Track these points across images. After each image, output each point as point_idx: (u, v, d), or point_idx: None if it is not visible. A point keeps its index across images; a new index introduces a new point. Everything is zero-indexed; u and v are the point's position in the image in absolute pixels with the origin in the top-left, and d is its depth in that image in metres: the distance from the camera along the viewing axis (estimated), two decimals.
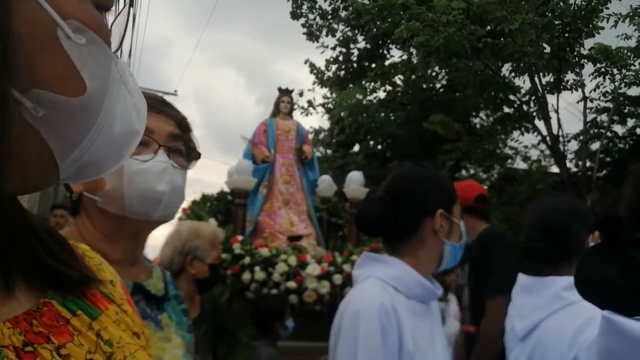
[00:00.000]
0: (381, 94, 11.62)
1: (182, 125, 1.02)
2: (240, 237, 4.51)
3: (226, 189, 5.96)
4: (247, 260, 4.28)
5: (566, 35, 7.69)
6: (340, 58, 12.28)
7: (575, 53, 8.11)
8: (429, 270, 1.34)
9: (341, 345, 1.22)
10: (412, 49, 10.09)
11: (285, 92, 6.04)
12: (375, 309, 1.19)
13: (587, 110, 8.54)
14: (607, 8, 7.29)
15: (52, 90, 0.38)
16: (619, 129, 9.11)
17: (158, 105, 0.99)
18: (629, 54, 7.74)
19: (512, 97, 9.36)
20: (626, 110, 8.75)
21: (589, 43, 8.00)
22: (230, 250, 4.33)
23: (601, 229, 0.57)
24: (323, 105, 12.17)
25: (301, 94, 11.91)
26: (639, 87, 8.33)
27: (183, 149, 1.00)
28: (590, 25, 7.53)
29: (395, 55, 11.79)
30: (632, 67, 7.84)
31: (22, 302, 0.40)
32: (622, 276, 0.50)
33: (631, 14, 7.11)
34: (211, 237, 2.16)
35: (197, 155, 1.03)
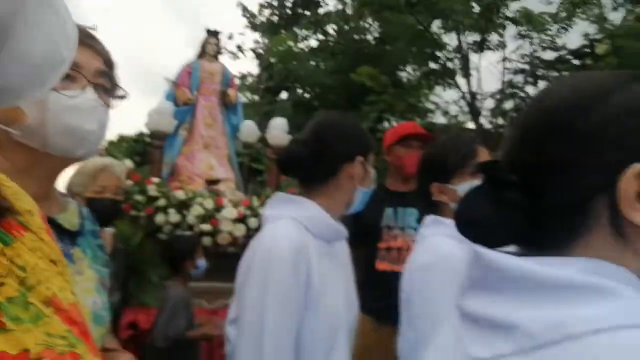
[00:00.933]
0: (313, 43, 11.51)
1: (108, 62, 0.99)
2: (155, 179, 4.45)
3: (145, 131, 5.79)
4: (162, 202, 4.24)
5: None
6: (275, 3, 11.93)
7: (501, 14, 8.40)
8: (339, 212, 1.42)
9: (252, 282, 1.25)
10: None
11: (212, 34, 5.83)
12: (287, 247, 1.24)
13: (505, 71, 8.96)
14: None
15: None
16: (531, 90, 9.65)
17: (87, 39, 0.95)
18: (548, 19, 8.12)
19: (438, 53, 9.60)
20: (539, 73, 9.26)
21: (514, 6, 8.31)
22: (145, 192, 4.27)
23: (482, 172, 0.60)
24: (253, 50, 11.88)
25: (230, 37, 11.52)
26: (554, 51, 8.82)
27: (109, 86, 0.98)
28: None
29: (330, 4, 11.63)
30: (549, 32, 8.26)
31: None
32: (494, 214, 0.56)
33: None
34: (91, 172, 2.17)
35: (123, 95, 1.01)
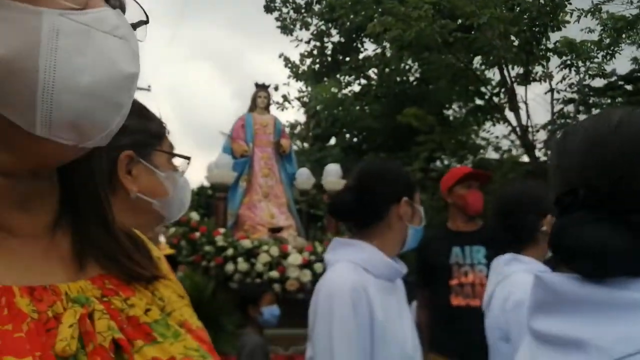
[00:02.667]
0: (356, 87, 11.75)
1: None
2: (222, 230, 4.60)
3: (206, 184, 6.03)
4: (230, 252, 4.37)
5: (533, 29, 7.95)
6: (315, 52, 12.36)
7: (542, 46, 8.38)
8: (395, 251, 1.49)
9: (318, 326, 1.35)
10: (385, 43, 10.25)
11: (261, 87, 6.13)
12: (347, 289, 1.34)
13: (554, 101, 8.85)
14: (570, 3, 7.56)
15: None
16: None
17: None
18: (592, 46, 8.04)
19: (483, 89, 9.61)
20: (591, 101, 9.09)
21: (555, 37, 8.30)
22: (213, 243, 4.41)
23: (571, 201, 0.62)
24: (298, 99, 12.24)
25: (276, 89, 11.95)
26: (602, 78, 8.68)
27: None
28: (556, 20, 7.80)
29: (369, 48, 11.94)
30: (595, 60, 8.15)
31: (94, 270, 0.52)
32: (622, 240, 0.57)
33: (592, 9, 7.40)
34: None
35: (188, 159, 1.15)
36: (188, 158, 1.09)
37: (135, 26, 0.50)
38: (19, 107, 0.40)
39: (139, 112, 1.00)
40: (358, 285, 1.35)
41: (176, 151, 1.09)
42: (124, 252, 0.54)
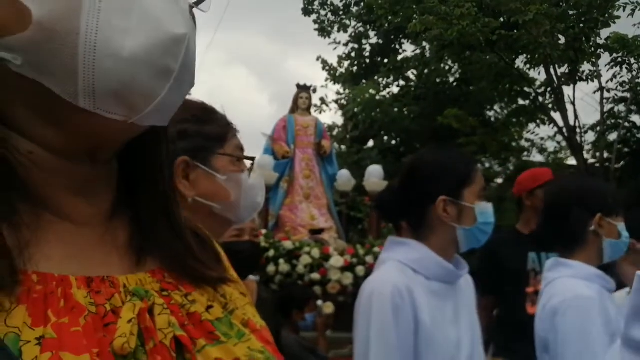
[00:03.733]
0: (394, 89, 11.65)
1: None
2: (264, 231, 4.58)
3: None
4: (271, 253, 4.35)
5: (581, 25, 7.65)
6: (353, 54, 12.31)
7: (592, 43, 8.07)
8: (448, 253, 1.36)
9: (357, 325, 1.28)
10: (424, 43, 10.10)
11: (303, 89, 6.11)
12: (388, 289, 1.25)
13: (604, 101, 8.50)
14: None
15: (10, 32, 0.37)
16: (637, 119, 9.04)
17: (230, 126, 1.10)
18: None
19: (527, 89, 9.33)
20: None
21: (605, 33, 7.96)
22: None
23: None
24: (336, 101, 12.23)
25: (314, 91, 11.94)
26: None
27: None
28: (606, 15, 7.48)
29: (408, 49, 11.81)
30: None
31: (153, 263, 0.48)
32: None
33: None
34: None
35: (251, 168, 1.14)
36: (252, 159, 1.07)
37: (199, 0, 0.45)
38: (60, 75, 0.37)
39: (199, 115, 1.00)
40: (402, 286, 1.26)
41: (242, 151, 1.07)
42: (189, 250, 0.50)
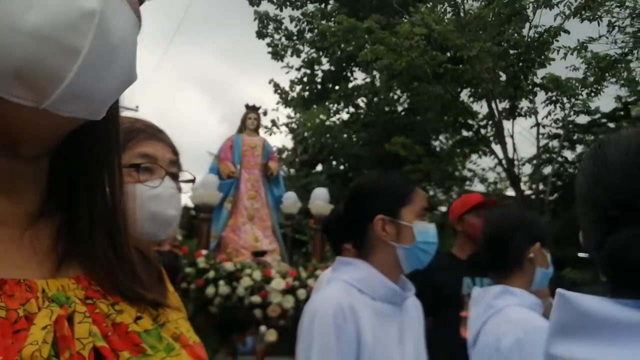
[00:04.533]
0: (344, 115, 11.82)
1: (175, 151, 1.09)
2: (204, 252, 4.47)
3: (190, 204, 5.91)
4: (211, 274, 4.23)
5: (520, 64, 8.10)
6: (305, 79, 12.43)
7: (529, 81, 8.53)
8: (393, 273, 1.37)
9: (299, 344, 1.27)
10: (375, 72, 10.36)
11: (252, 109, 6.09)
12: (331, 309, 1.24)
13: (540, 136, 8.96)
14: (557, 41, 7.74)
15: None
16: (569, 155, 9.58)
17: (157, 133, 1.07)
18: (577, 84, 8.21)
19: (470, 121, 9.71)
20: (575, 137, 9.23)
21: (541, 72, 8.45)
22: (194, 265, 4.27)
23: None
24: (287, 124, 12.26)
25: (265, 113, 11.94)
26: (587, 115, 8.84)
27: (178, 173, 1.08)
28: (542, 56, 7.96)
29: (359, 77, 12.07)
30: (580, 97, 8.31)
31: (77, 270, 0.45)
32: None
33: (578, 47, 7.57)
34: None
35: (193, 180, 1.11)
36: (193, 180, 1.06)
37: (185, 181, 0.45)
38: None
39: None
40: (344, 306, 1.26)
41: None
42: (129, 267, 0.47)
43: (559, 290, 0.60)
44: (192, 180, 1.12)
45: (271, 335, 3.84)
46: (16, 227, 0.42)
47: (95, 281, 0.44)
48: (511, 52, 8.05)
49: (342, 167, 11.73)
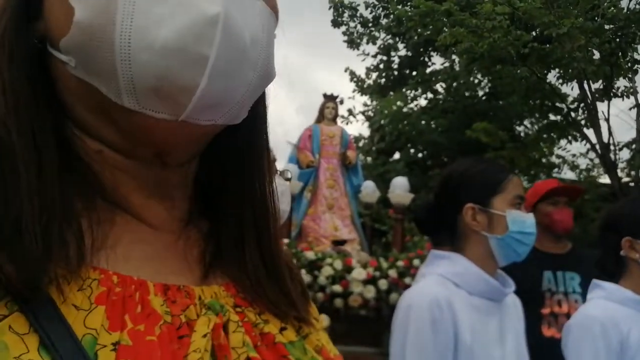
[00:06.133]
0: (422, 102, 11.55)
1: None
2: (286, 240, 4.55)
3: None
4: None
5: (618, 39, 7.44)
6: (381, 66, 12.27)
7: (628, 58, 7.83)
8: (488, 266, 1.31)
9: (393, 339, 1.24)
10: (454, 56, 9.98)
11: (330, 98, 6.09)
12: (426, 302, 1.21)
13: None
14: None
15: (63, 33, 0.36)
16: None
17: None
18: None
19: (559, 104, 9.10)
20: None
21: None
22: None
23: None
24: (363, 113, 12.18)
25: (342, 102, 11.93)
26: None
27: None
28: None
29: (437, 62, 11.71)
30: None
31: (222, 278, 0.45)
32: None
33: None
34: None
35: (289, 178, 1.12)
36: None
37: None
38: (104, 74, 0.36)
39: None
40: (442, 300, 1.21)
41: None
42: (280, 282, 0.47)
43: None
44: (289, 179, 1.13)
45: (355, 301, 3.87)
46: (171, 232, 0.43)
47: (242, 289, 0.45)
48: (607, 27, 7.41)
49: (420, 155, 11.48)
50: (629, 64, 7.98)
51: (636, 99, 8.21)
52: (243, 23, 0.37)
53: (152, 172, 0.42)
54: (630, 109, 8.38)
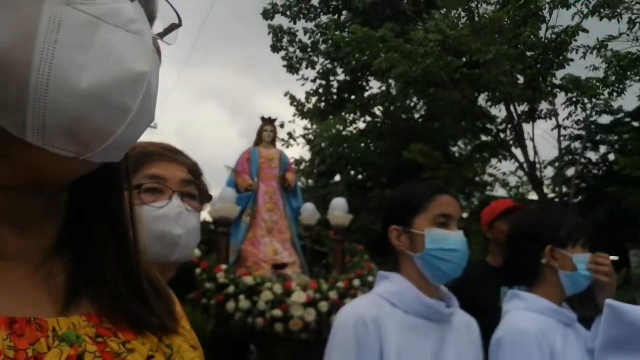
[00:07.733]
0: (361, 125, 11.79)
1: (193, 171, 1.08)
2: (224, 266, 4.44)
3: (209, 219, 5.90)
4: (231, 289, 4.20)
5: (538, 66, 7.97)
6: (320, 90, 12.45)
7: (548, 83, 8.38)
8: (425, 285, 1.33)
9: (324, 355, 1.27)
10: (390, 80, 10.31)
11: (267, 121, 6.09)
12: (352, 320, 1.24)
13: (562, 138, 8.78)
14: (576, 40, 7.59)
15: None
16: (592, 156, 9.36)
17: (170, 153, 1.05)
18: (597, 84, 8.03)
19: (489, 125, 9.58)
20: (598, 138, 9.02)
21: (560, 73, 8.31)
22: (214, 280, 4.25)
23: None
24: (304, 136, 12.27)
25: (282, 126, 11.96)
26: (609, 115, 8.63)
27: (195, 192, 1.06)
28: (561, 57, 7.82)
29: (374, 86, 12.04)
30: (602, 97, 8.12)
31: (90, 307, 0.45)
32: None
33: (598, 46, 7.42)
34: None
35: (209, 198, 1.11)
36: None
37: (166, 30, 0.45)
38: (9, 108, 0.35)
39: None
40: (367, 317, 1.24)
41: None
42: (140, 295, 0.47)
43: (608, 300, 0.55)
44: (209, 199, 1.11)
45: (295, 325, 3.86)
46: (29, 263, 0.42)
47: (107, 317, 0.44)
48: (528, 53, 7.92)
49: (360, 177, 11.67)
50: (549, 88, 8.54)
51: (557, 120, 8.79)
52: (157, 78, 0.42)
53: (21, 202, 0.41)
54: (552, 129, 8.95)
